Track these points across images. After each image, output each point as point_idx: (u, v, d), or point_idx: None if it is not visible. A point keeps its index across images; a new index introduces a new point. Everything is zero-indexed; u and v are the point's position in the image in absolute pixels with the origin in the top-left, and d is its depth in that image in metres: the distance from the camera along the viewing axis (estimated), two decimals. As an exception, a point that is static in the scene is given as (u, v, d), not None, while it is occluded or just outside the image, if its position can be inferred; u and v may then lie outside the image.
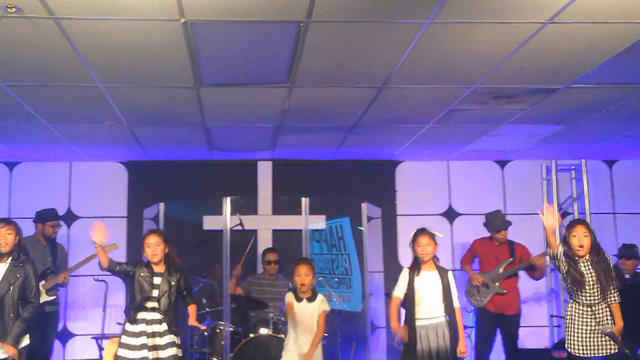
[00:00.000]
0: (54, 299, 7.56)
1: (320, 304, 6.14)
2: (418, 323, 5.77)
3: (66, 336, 8.75)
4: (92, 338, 8.07)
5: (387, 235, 9.22)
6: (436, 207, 9.42)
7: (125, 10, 4.17)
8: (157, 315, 5.89)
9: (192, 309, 6.19)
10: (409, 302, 5.89)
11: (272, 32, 4.60)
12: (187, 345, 7.58)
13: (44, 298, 7.26)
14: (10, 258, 5.56)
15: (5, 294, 5.44)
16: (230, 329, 7.14)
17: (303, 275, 6.10)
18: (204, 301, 7.77)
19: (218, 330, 7.19)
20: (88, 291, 8.61)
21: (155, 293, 5.93)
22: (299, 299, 6.13)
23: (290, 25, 4.46)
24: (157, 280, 5.97)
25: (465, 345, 5.85)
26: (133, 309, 5.92)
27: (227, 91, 5.95)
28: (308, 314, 6.09)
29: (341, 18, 4.37)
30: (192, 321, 6.18)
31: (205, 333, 6.99)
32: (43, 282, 7.26)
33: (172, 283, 5.99)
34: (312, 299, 6.14)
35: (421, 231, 5.96)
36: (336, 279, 8.02)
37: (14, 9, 4.09)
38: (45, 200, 8.48)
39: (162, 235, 6.15)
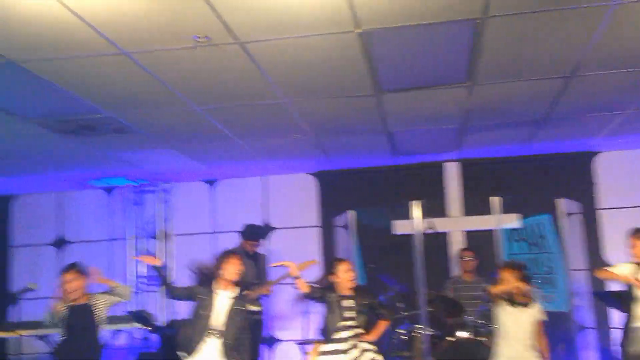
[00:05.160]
0: (260, 308, 7.89)
1: (537, 314, 5.84)
2: (634, 324, 5.44)
3: (273, 342, 9.17)
4: (297, 344, 8.37)
5: (589, 231, 8.73)
6: (643, 198, 8.76)
7: (303, 28, 4.33)
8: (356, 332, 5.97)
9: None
10: (627, 300, 5.54)
11: (449, 33, 4.55)
12: (386, 349, 7.66)
13: (251, 308, 7.65)
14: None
15: None
16: (429, 332, 7.11)
17: (513, 281, 5.81)
18: (399, 305, 7.81)
19: (416, 335, 7.19)
20: (291, 299, 8.89)
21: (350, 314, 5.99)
22: (513, 304, 5.85)
23: (467, 23, 4.39)
24: (346, 303, 6.01)
25: None
26: (329, 332, 6.00)
27: (407, 95, 5.95)
28: (519, 321, 5.80)
29: (519, 10, 4.23)
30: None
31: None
32: (249, 292, 7.64)
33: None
34: (527, 305, 5.83)
35: (634, 232, 5.63)
36: (539, 279, 7.75)
37: (204, 39, 4.42)
38: (243, 214, 9.01)
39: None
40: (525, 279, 5.82)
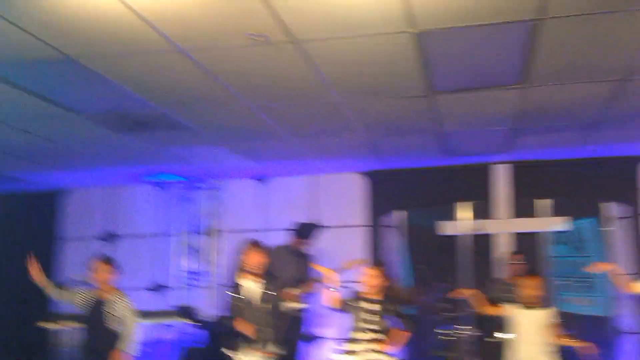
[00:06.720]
0: (303, 306, 7.96)
1: (551, 316, 6.15)
2: None
3: (313, 339, 9.16)
4: (333, 341, 8.41)
5: (637, 235, 8.60)
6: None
7: (359, 28, 4.40)
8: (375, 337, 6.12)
9: None
10: None
11: (504, 34, 4.57)
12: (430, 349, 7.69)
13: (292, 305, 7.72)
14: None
15: None
16: (474, 333, 7.14)
17: (531, 287, 6.21)
18: (444, 305, 7.84)
19: (460, 335, 7.22)
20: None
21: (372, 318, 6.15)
22: (528, 307, 6.20)
23: (522, 25, 4.41)
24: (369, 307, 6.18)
25: None
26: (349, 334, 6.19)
27: (460, 97, 5.98)
28: (534, 323, 6.13)
29: (575, 12, 4.23)
30: None
31: None
32: (292, 289, 7.73)
33: None
34: (542, 308, 6.20)
35: None
36: (578, 283, 7.70)
37: (259, 37, 4.50)
38: (293, 212, 9.10)
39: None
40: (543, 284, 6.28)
